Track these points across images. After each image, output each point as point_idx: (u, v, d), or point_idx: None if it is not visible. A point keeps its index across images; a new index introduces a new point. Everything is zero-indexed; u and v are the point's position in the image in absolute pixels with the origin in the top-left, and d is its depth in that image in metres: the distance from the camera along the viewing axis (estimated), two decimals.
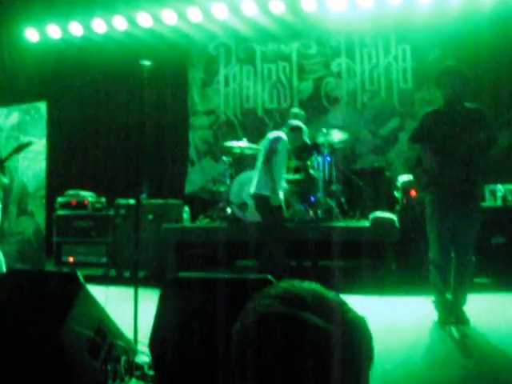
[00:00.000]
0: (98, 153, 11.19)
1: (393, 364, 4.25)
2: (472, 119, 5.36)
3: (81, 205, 9.04)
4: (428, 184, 5.50)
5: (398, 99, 10.11)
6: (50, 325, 3.40)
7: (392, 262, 7.50)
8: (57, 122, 10.48)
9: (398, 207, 7.87)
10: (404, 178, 7.77)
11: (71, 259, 8.84)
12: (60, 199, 9.15)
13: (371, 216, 7.78)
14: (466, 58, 8.58)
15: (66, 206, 9.09)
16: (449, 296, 5.58)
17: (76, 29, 10.35)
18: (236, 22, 9.98)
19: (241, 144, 8.61)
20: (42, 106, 9.79)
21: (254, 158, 8.83)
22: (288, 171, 7.97)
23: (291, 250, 7.40)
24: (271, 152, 7.10)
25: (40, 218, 9.68)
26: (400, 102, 10.10)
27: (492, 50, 9.08)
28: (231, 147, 8.71)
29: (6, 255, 7.30)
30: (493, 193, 7.82)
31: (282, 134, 7.32)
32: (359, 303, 1.16)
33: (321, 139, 8.56)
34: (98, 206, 9.07)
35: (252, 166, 8.33)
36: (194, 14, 9.79)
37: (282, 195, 7.29)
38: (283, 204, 7.31)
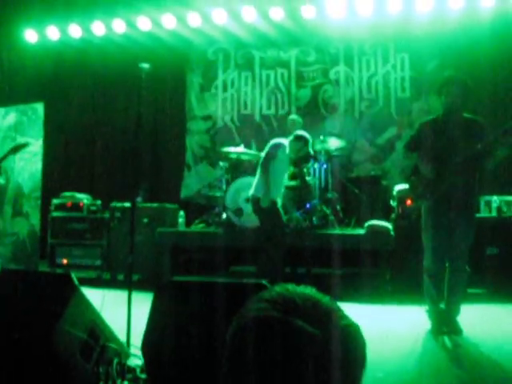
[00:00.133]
0: (95, 155, 11.19)
1: (385, 372, 4.24)
2: (470, 130, 5.37)
3: (76, 207, 9.03)
4: (423, 193, 5.50)
5: (395, 108, 10.13)
6: (42, 326, 3.39)
7: (386, 271, 7.50)
8: (54, 124, 10.47)
9: (393, 216, 7.87)
10: (400, 187, 7.77)
11: (65, 261, 8.83)
12: (55, 201, 9.14)
13: (366, 224, 7.79)
14: (465, 68, 8.59)
15: (61, 207, 9.07)
16: (442, 306, 5.58)
17: (75, 31, 10.35)
18: (235, 27, 9.98)
19: (238, 150, 8.61)
20: (40, 107, 9.77)
21: (250, 163, 8.84)
22: None
23: (286, 256, 7.39)
24: (269, 156, 7.08)
25: (35, 219, 9.65)
26: (397, 111, 10.12)
27: (490, 61, 9.10)
28: (228, 153, 8.71)
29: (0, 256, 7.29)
30: (488, 204, 7.84)
31: (284, 142, 7.26)
32: (353, 311, 1.15)
33: (318, 146, 8.56)
34: (93, 208, 9.07)
35: (248, 172, 8.34)
36: (194, 19, 9.79)
37: (279, 202, 7.26)
38: (281, 210, 7.27)
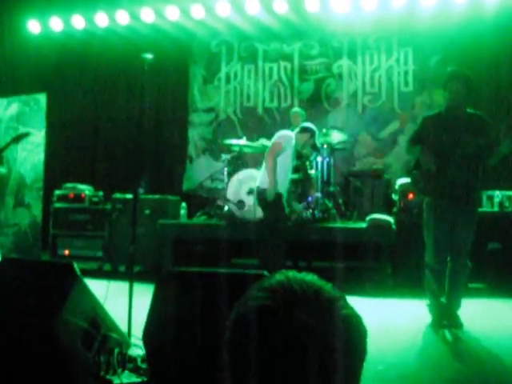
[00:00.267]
0: (97, 146, 11.19)
1: (385, 365, 4.25)
2: (472, 125, 5.36)
3: (78, 198, 9.04)
4: (425, 187, 5.51)
5: (398, 102, 10.13)
6: (44, 314, 3.40)
7: (388, 265, 7.51)
8: (56, 115, 10.46)
9: (395, 210, 7.87)
10: (402, 181, 7.77)
11: (67, 252, 8.84)
12: (57, 192, 9.15)
13: (368, 218, 7.79)
14: (468, 62, 8.59)
15: (63, 198, 9.08)
16: (443, 300, 5.58)
17: (78, 22, 10.34)
18: (239, 20, 9.97)
19: (240, 142, 8.60)
20: (42, 98, 9.77)
21: (252, 156, 8.84)
22: None
23: (287, 249, 7.38)
24: (276, 149, 6.88)
25: (36, 210, 9.66)
26: (400, 105, 10.11)
27: (493, 56, 9.10)
28: (230, 145, 8.71)
29: (1, 246, 7.31)
30: (490, 198, 7.83)
31: (290, 133, 7.13)
32: (354, 305, 1.14)
33: (320, 140, 8.55)
34: (95, 199, 9.08)
35: (250, 165, 8.33)
36: (197, 11, 9.78)
37: (284, 195, 7.15)
38: (285, 203, 7.18)
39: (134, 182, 5.88)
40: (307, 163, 8.22)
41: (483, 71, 9.03)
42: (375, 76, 10.28)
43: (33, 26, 10.62)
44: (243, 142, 8.61)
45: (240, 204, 7.95)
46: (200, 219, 8.69)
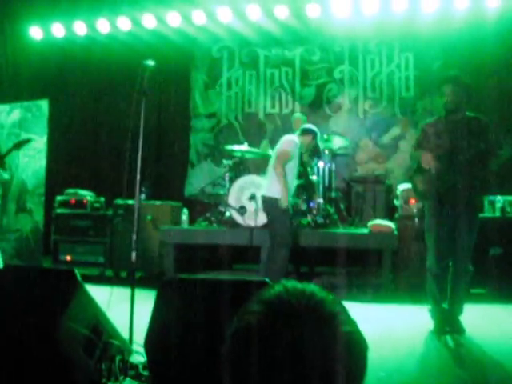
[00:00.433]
0: (98, 152, 11.19)
1: (387, 371, 4.24)
2: (472, 129, 5.35)
3: (79, 204, 9.04)
4: (426, 192, 5.51)
5: (399, 107, 10.13)
6: (46, 321, 3.40)
7: (389, 270, 7.49)
8: (58, 121, 10.48)
9: (396, 215, 7.87)
10: (404, 186, 7.77)
11: (68, 258, 8.84)
12: (59, 198, 9.15)
13: (370, 223, 7.78)
14: (469, 67, 8.61)
15: (64, 204, 9.09)
16: (445, 305, 5.57)
17: (80, 28, 10.36)
18: (240, 25, 9.99)
19: (241, 148, 8.60)
20: (44, 104, 9.79)
21: (254, 162, 8.84)
22: None
23: (290, 255, 7.37)
24: (285, 156, 6.82)
25: (38, 215, 9.68)
26: (402, 110, 10.11)
27: (495, 61, 9.10)
28: (232, 151, 8.70)
29: (3, 252, 7.31)
30: (492, 204, 7.82)
31: (295, 139, 7.06)
32: (355, 310, 1.13)
33: (321, 145, 8.54)
34: (96, 205, 9.08)
35: (252, 170, 8.34)
36: (199, 17, 9.80)
37: (291, 201, 7.09)
38: (291, 209, 7.13)
39: (136, 188, 5.88)
40: (309, 169, 8.22)
41: (484, 76, 9.04)
42: (376, 81, 10.28)
43: (35, 33, 10.64)
44: (245, 147, 8.61)
45: (242, 210, 7.95)
46: (202, 225, 8.68)
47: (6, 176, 7.25)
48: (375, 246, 7.56)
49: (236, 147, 8.66)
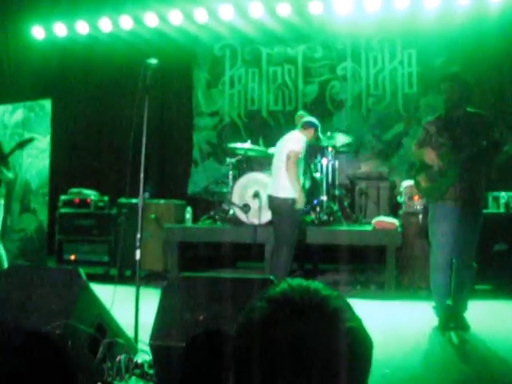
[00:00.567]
0: (102, 151, 11.19)
1: (392, 368, 4.25)
2: (473, 124, 5.35)
3: (83, 203, 9.05)
4: (430, 189, 5.51)
5: (402, 104, 10.10)
6: (50, 320, 3.41)
7: (393, 267, 7.49)
8: (61, 120, 10.49)
9: (400, 212, 7.87)
10: (407, 183, 7.77)
11: (73, 257, 8.85)
12: (63, 197, 9.16)
13: (374, 220, 7.78)
14: (472, 64, 8.59)
15: (68, 204, 9.10)
16: (449, 302, 5.57)
17: (82, 27, 10.36)
18: (242, 23, 9.97)
19: (245, 146, 8.60)
20: (47, 104, 9.80)
21: (257, 160, 8.84)
22: None
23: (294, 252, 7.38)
24: (295, 156, 6.74)
25: (42, 215, 9.69)
26: (405, 107, 10.09)
27: (498, 57, 9.07)
28: (235, 149, 8.70)
29: (7, 252, 7.32)
30: (496, 200, 7.81)
31: (302, 137, 7.00)
32: (360, 307, 1.13)
33: (325, 143, 8.54)
34: (100, 204, 9.08)
35: (255, 168, 8.33)
36: (201, 15, 9.79)
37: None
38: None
39: (140, 187, 5.88)
40: (312, 166, 8.22)
41: (487, 72, 9.01)
42: (379, 78, 10.26)
43: (37, 32, 10.64)
44: (248, 145, 8.61)
45: (245, 208, 7.95)
46: (205, 223, 8.69)
47: (10, 175, 7.26)
48: (379, 242, 7.56)
49: (239, 145, 8.65)
